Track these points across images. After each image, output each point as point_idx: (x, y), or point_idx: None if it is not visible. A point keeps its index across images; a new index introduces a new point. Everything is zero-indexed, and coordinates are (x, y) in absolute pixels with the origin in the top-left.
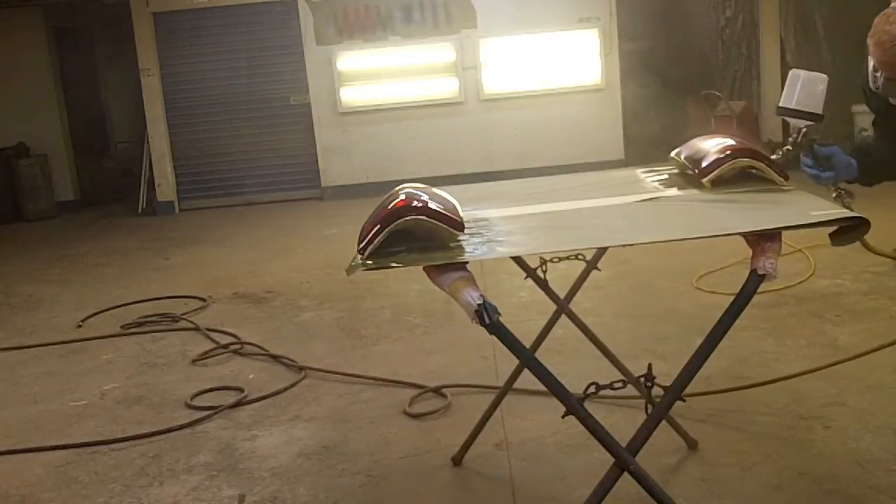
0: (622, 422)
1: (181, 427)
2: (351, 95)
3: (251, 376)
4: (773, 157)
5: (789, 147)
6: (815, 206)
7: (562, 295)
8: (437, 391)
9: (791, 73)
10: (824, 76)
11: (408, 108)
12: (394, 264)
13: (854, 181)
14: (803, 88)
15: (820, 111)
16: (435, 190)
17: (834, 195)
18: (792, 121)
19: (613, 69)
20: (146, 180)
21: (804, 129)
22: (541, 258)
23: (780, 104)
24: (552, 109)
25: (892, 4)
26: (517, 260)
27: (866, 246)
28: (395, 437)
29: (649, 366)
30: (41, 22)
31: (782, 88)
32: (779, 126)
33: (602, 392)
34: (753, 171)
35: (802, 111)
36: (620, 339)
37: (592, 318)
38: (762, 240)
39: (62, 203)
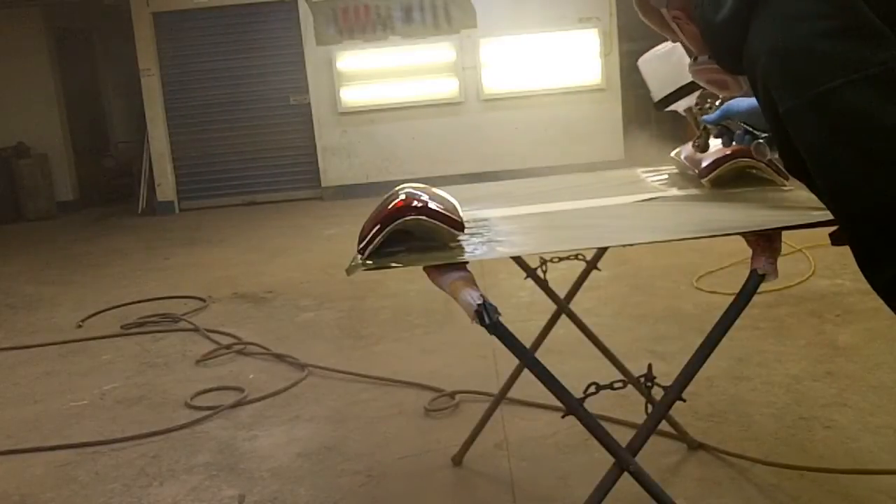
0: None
1: (181, 427)
2: (351, 95)
3: (251, 376)
4: (692, 144)
5: (698, 136)
6: (815, 206)
7: (562, 295)
8: (451, 395)
9: (641, 62)
10: (669, 43)
11: (408, 108)
12: (394, 264)
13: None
14: (665, 68)
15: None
16: (435, 190)
17: (698, 135)
18: (680, 106)
19: (613, 69)
20: (146, 180)
21: (693, 106)
22: (541, 258)
23: (657, 99)
24: (552, 109)
25: None
26: (517, 260)
27: None
28: (395, 437)
29: (649, 366)
30: (41, 22)
31: None
32: None
33: (603, 392)
34: (753, 171)
35: (681, 89)
36: (620, 339)
37: (592, 318)
38: (762, 240)
39: (62, 203)
